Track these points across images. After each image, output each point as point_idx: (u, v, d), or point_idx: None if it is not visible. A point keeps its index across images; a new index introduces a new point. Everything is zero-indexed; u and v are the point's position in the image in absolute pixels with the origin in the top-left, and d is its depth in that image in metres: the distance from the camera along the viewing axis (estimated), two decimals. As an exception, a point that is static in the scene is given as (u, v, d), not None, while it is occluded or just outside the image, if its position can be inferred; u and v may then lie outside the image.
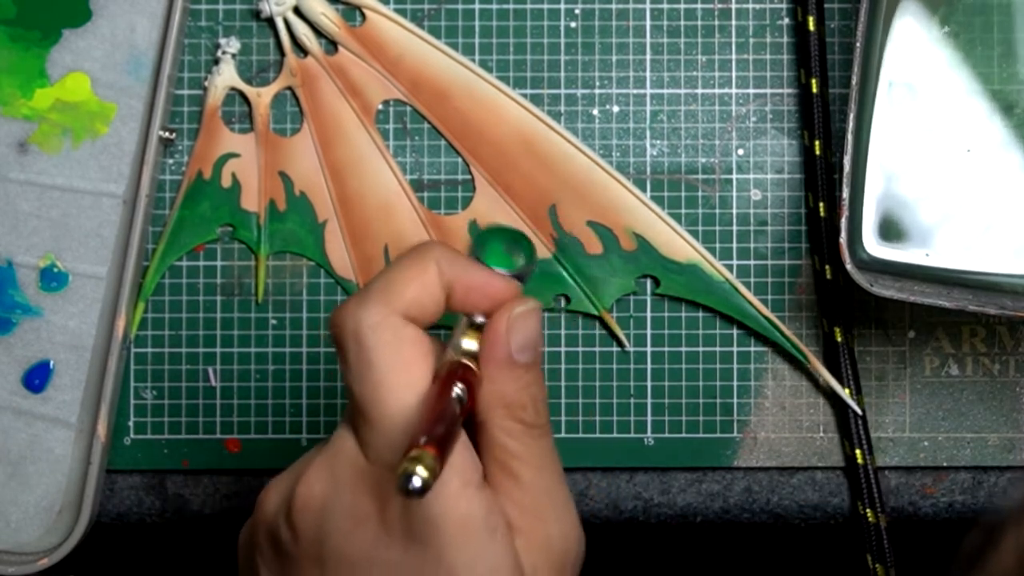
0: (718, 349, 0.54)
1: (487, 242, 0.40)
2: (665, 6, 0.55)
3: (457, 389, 0.36)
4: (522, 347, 0.38)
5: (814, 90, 0.53)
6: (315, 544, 0.37)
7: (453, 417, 0.35)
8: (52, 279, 0.54)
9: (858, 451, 0.53)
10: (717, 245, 0.54)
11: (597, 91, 0.55)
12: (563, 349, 0.54)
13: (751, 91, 0.55)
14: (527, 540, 0.38)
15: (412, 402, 0.36)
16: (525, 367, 0.38)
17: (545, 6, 0.55)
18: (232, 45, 0.55)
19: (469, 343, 0.38)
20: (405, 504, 0.36)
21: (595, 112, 0.55)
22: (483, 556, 0.36)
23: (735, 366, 0.54)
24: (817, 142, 0.53)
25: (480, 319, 0.39)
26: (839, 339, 0.53)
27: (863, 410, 0.53)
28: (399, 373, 0.36)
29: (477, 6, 0.55)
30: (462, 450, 0.37)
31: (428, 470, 0.32)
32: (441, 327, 0.39)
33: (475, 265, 0.39)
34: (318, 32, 0.55)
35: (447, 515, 0.36)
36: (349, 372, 0.37)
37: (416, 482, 0.32)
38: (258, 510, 0.39)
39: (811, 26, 0.53)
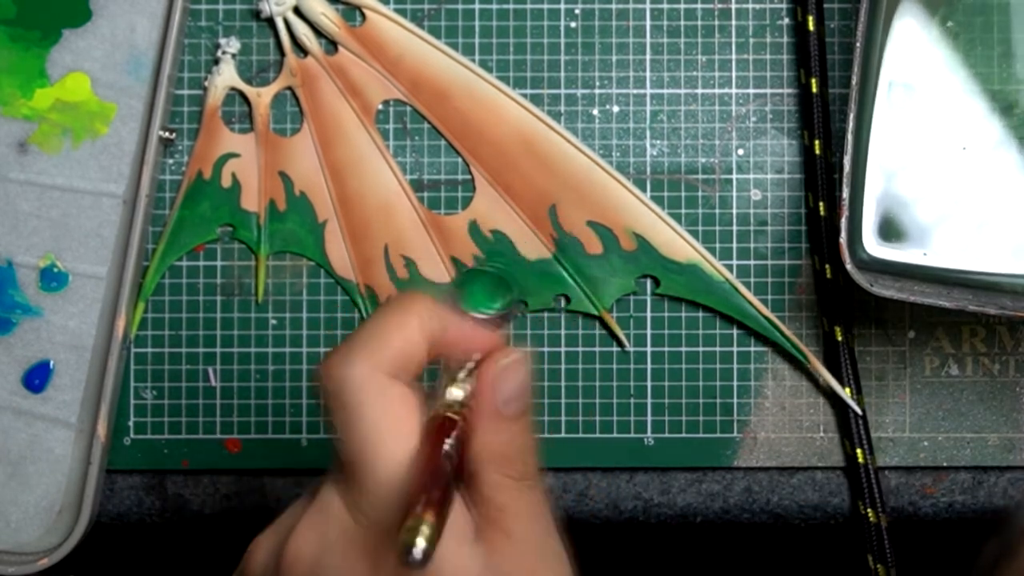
0: (718, 349, 0.54)
1: (469, 285, 0.40)
2: (665, 6, 0.55)
3: (447, 445, 0.36)
4: (509, 399, 0.38)
5: (814, 90, 0.53)
6: None
7: (446, 475, 0.35)
8: (52, 279, 0.54)
9: (859, 451, 0.53)
10: (717, 245, 0.54)
11: (597, 91, 0.55)
12: (563, 349, 0.54)
13: (751, 91, 0.55)
14: None
15: (402, 461, 0.36)
16: (514, 419, 0.38)
17: (545, 6, 0.55)
18: (232, 45, 0.55)
19: (455, 394, 0.38)
20: (399, 568, 0.35)
21: (595, 112, 0.55)
22: None
23: (735, 366, 0.54)
24: (817, 142, 0.53)
25: (465, 370, 0.38)
26: (839, 339, 0.53)
27: (863, 410, 0.53)
28: (388, 431, 0.36)
29: (477, 6, 0.55)
30: (456, 505, 0.36)
31: (428, 536, 0.32)
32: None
33: (458, 316, 0.39)
34: (318, 32, 0.55)
35: (445, 569, 0.36)
36: (339, 427, 0.37)
37: (418, 552, 0.32)
38: (246, 566, 0.39)
39: (811, 26, 0.53)
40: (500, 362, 0.38)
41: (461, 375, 0.38)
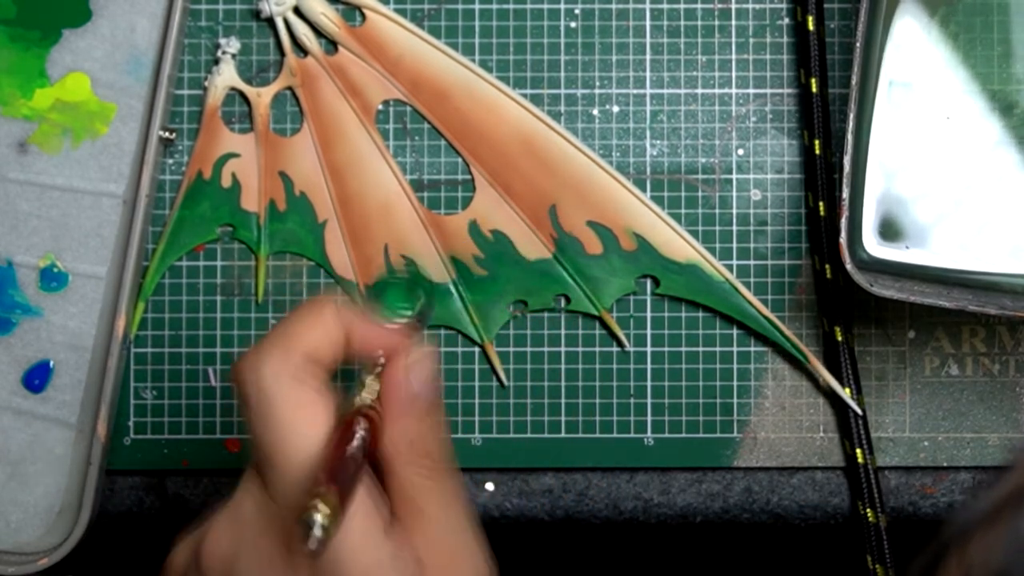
0: (718, 349, 0.54)
1: (385, 290, 0.42)
2: (665, 6, 0.55)
3: (360, 433, 0.37)
4: (421, 389, 0.39)
5: (814, 90, 0.53)
6: None
7: (355, 461, 0.36)
8: (52, 279, 0.54)
9: (858, 451, 0.53)
10: (717, 245, 0.54)
11: (597, 91, 0.55)
12: (563, 349, 0.54)
13: (751, 91, 0.55)
14: (439, 575, 0.39)
15: (316, 448, 0.37)
16: (425, 408, 0.39)
17: (545, 6, 0.55)
18: (232, 45, 0.55)
19: (367, 391, 0.39)
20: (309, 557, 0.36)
21: (595, 112, 0.55)
22: None
23: (735, 366, 0.54)
24: (817, 142, 0.53)
25: (376, 368, 0.40)
26: (839, 339, 0.53)
27: (863, 410, 0.53)
28: (301, 420, 0.37)
29: (477, 6, 0.55)
30: (367, 493, 0.38)
31: (329, 513, 0.33)
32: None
33: (370, 315, 0.40)
34: (318, 32, 0.55)
35: (355, 559, 0.37)
36: (252, 420, 0.38)
37: (317, 529, 0.33)
38: (169, 565, 0.40)
39: (811, 26, 0.53)
40: (408, 359, 0.40)
41: (373, 374, 0.40)
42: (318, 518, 0.33)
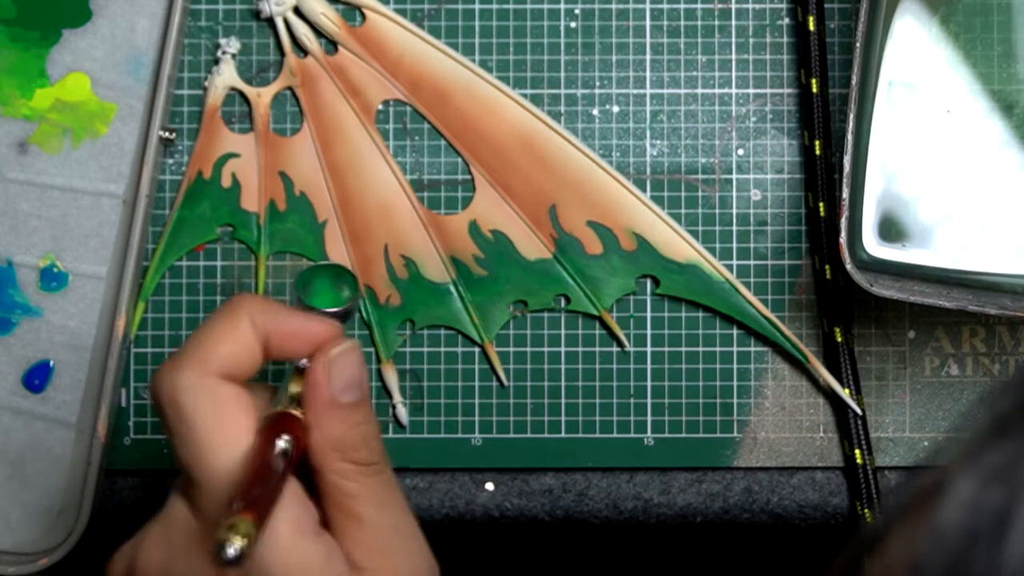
0: (718, 349, 0.54)
1: (311, 281, 0.40)
2: (665, 6, 0.55)
3: (282, 441, 0.36)
4: (345, 387, 0.38)
5: (814, 90, 0.53)
6: None
7: (277, 471, 0.35)
8: (52, 279, 0.54)
9: (857, 451, 0.53)
10: (717, 245, 0.54)
11: (597, 91, 0.55)
12: (563, 349, 0.54)
13: (751, 91, 0.55)
14: None
15: (237, 460, 0.36)
16: (351, 407, 0.38)
17: (545, 6, 0.55)
18: (232, 45, 0.55)
19: (293, 389, 0.38)
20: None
21: (595, 112, 0.55)
22: None
23: (735, 366, 0.54)
24: (817, 142, 0.53)
25: (304, 364, 0.39)
26: (839, 339, 0.53)
27: (863, 410, 0.53)
28: (219, 433, 0.37)
29: (477, 6, 0.55)
30: (294, 499, 0.37)
31: (244, 536, 0.33)
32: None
33: (289, 311, 0.39)
34: (318, 32, 0.55)
35: (283, 565, 0.36)
36: (172, 437, 0.37)
37: (230, 551, 0.32)
38: None
39: (811, 26, 0.53)
40: (331, 353, 0.38)
41: (301, 365, 0.39)
42: (233, 544, 0.32)
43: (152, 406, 0.38)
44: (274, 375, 0.52)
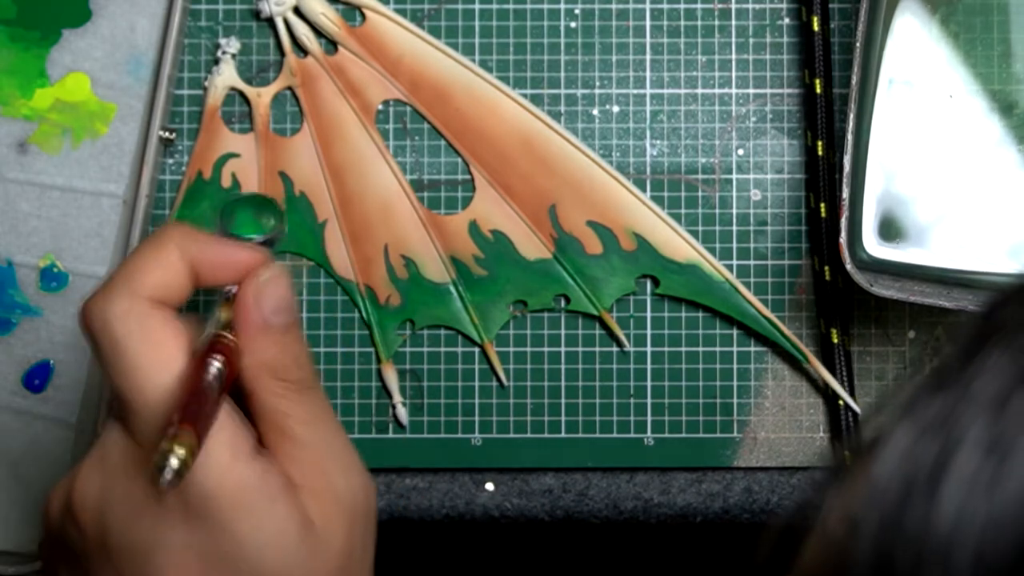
0: (718, 349, 0.54)
1: (234, 212, 0.41)
2: (665, 6, 0.55)
3: (216, 363, 0.37)
4: (274, 311, 0.39)
5: (818, 90, 0.53)
6: (100, 538, 0.38)
7: (211, 393, 0.36)
8: (52, 279, 0.54)
9: (847, 454, 0.53)
10: (717, 245, 0.54)
11: (597, 91, 0.55)
12: (563, 349, 0.54)
13: (751, 91, 0.55)
14: (314, 494, 0.39)
15: (170, 383, 0.37)
16: (282, 329, 0.39)
17: (545, 6, 0.55)
18: (232, 45, 0.55)
19: (223, 316, 0.39)
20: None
21: (595, 112, 0.55)
22: (266, 520, 0.37)
23: (735, 366, 0.54)
24: (820, 142, 0.53)
25: (232, 291, 0.39)
26: (835, 341, 0.53)
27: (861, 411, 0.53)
28: (152, 357, 0.37)
29: (477, 6, 0.55)
30: (228, 421, 0.37)
31: (183, 453, 0.33)
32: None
33: (217, 240, 0.40)
34: (318, 32, 0.55)
35: (222, 487, 0.37)
36: (105, 364, 0.38)
37: (170, 468, 0.33)
38: (45, 518, 0.40)
39: (815, 26, 0.53)
40: (260, 278, 0.39)
41: (225, 301, 0.39)
42: (172, 460, 0.33)
43: (84, 335, 0.38)
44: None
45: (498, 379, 0.54)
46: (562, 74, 0.55)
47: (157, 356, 0.37)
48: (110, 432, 0.38)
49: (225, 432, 0.37)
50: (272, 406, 0.39)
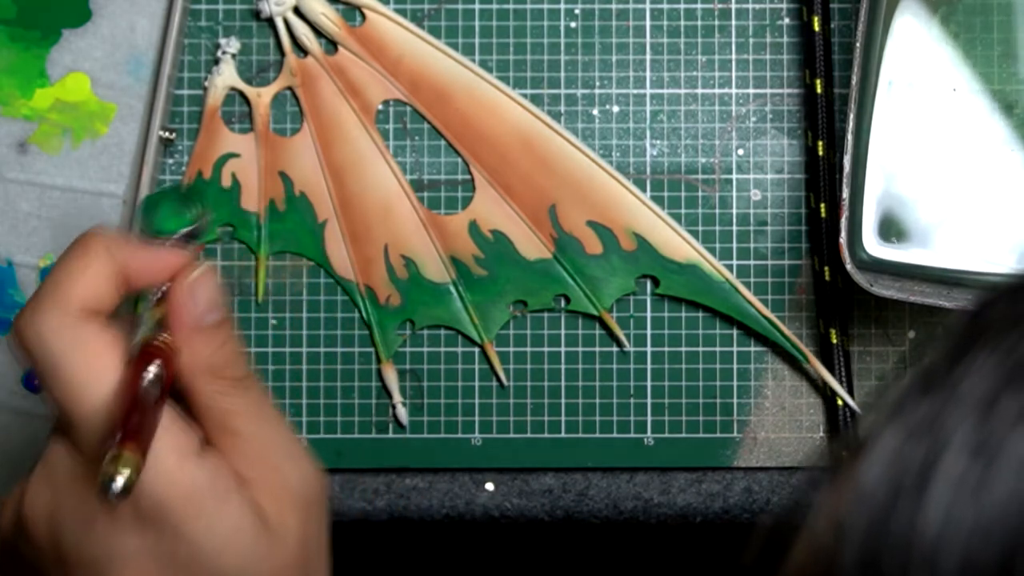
0: (718, 349, 0.54)
1: (157, 207, 0.41)
2: (665, 6, 0.55)
3: (153, 368, 0.37)
4: (207, 310, 0.39)
5: (819, 91, 0.53)
6: (55, 551, 0.38)
7: (150, 400, 0.36)
8: (52, 279, 0.54)
9: (844, 454, 0.53)
10: (717, 245, 0.54)
11: (597, 91, 0.55)
12: (563, 349, 0.54)
13: (751, 91, 0.55)
14: (265, 489, 0.39)
15: (109, 395, 0.37)
16: (216, 327, 0.39)
17: (545, 6, 0.55)
18: (232, 45, 0.55)
19: (154, 319, 0.39)
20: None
21: (595, 112, 0.55)
22: (219, 519, 0.37)
23: (735, 366, 0.54)
24: (820, 143, 0.53)
25: (159, 294, 0.39)
26: (835, 341, 0.53)
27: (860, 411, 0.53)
28: (87, 370, 0.37)
29: (477, 6, 0.55)
30: (172, 424, 0.37)
31: (127, 467, 0.33)
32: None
33: (141, 244, 0.40)
34: (318, 32, 0.55)
35: (171, 491, 0.37)
36: (43, 379, 0.38)
37: (117, 484, 0.33)
38: None
39: (816, 26, 0.53)
40: (190, 278, 0.39)
41: (155, 302, 0.39)
42: (117, 478, 0.33)
43: (17, 350, 0.38)
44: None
45: (498, 379, 0.54)
46: (562, 74, 0.55)
47: (92, 369, 0.37)
48: (55, 445, 0.38)
49: (169, 435, 0.37)
50: (214, 404, 0.39)
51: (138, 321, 0.39)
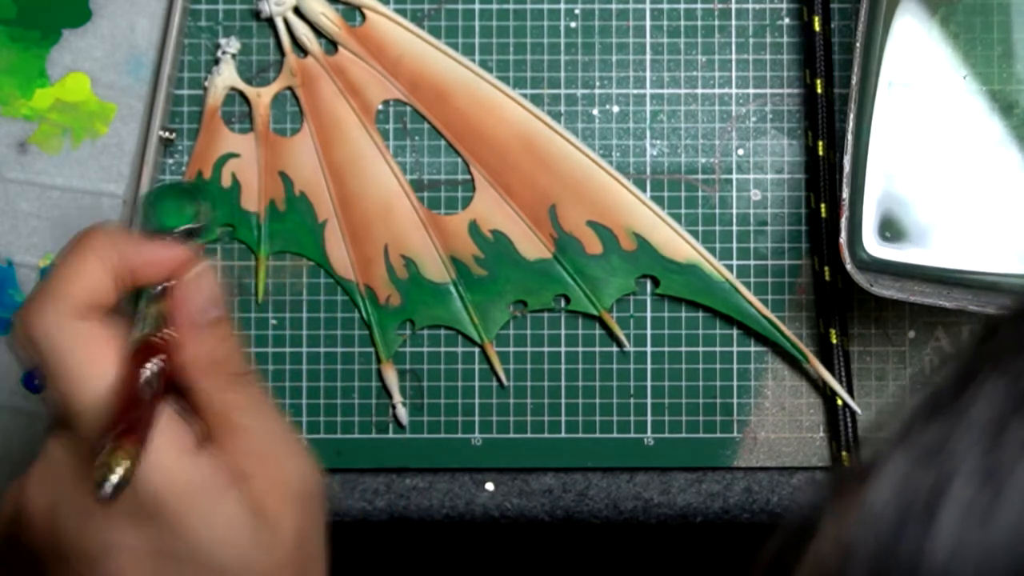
0: (718, 349, 0.54)
1: (158, 203, 0.41)
2: (665, 6, 0.55)
3: (151, 364, 0.37)
4: (206, 307, 0.39)
5: (819, 91, 0.53)
6: (54, 544, 0.38)
7: (147, 397, 0.36)
8: (52, 279, 0.54)
9: (844, 453, 0.53)
10: (717, 245, 0.54)
11: (597, 91, 0.55)
12: (563, 349, 0.54)
13: (751, 91, 0.55)
14: (264, 483, 0.39)
15: (107, 392, 0.37)
16: (217, 323, 0.39)
17: (545, 6, 0.55)
18: (232, 45, 0.55)
19: (154, 316, 0.39)
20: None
21: (595, 112, 0.55)
22: (217, 513, 0.37)
23: (735, 366, 0.54)
24: (820, 143, 0.53)
25: (159, 291, 0.39)
26: (835, 341, 0.53)
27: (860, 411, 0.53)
28: (86, 367, 0.37)
29: (477, 6, 0.55)
30: (170, 419, 0.38)
31: (121, 465, 0.33)
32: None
33: (141, 241, 0.40)
34: (318, 32, 0.55)
35: (170, 486, 0.37)
36: (45, 376, 0.38)
37: (110, 482, 0.33)
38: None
39: (816, 26, 0.53)
40: (190, 275, 0.39)
41: (156, 296, 0.39)
42: (111, 476, 0.33)
43: (18, 348, 0.38)
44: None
45: (498, 379, 0.54)
46: (562, 74, 0.55)
47: (91, 363, 0.37)
48: (56, 439, 0.39)
49: (168, 431, 0.37)
50: (214, 399, 0.39)
51: (138, 317, 0.39)
